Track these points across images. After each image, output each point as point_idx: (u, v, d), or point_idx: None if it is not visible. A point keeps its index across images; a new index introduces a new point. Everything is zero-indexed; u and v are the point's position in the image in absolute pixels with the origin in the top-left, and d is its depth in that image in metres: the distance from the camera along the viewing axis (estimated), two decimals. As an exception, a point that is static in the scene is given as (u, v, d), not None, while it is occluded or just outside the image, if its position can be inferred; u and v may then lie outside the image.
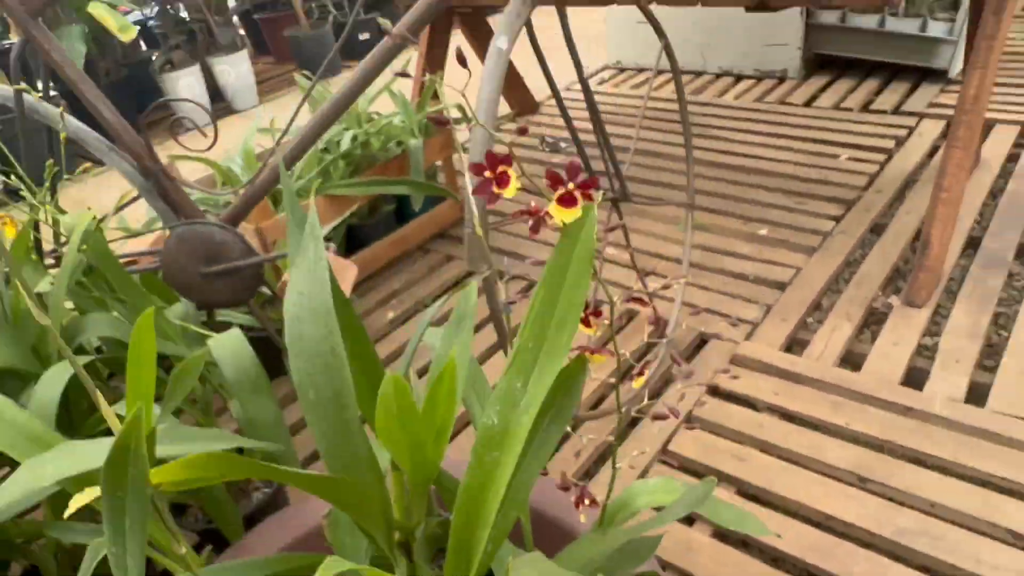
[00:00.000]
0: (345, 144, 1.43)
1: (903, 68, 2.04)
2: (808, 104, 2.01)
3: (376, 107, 1.57)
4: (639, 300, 0.42)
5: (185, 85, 2.61)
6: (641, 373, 0.42)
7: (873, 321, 1.20)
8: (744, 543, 0.87)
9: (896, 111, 1.88)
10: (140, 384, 0.51)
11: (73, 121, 0.96)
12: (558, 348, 0.38)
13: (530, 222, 0.37)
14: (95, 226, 0.76)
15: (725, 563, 0.82)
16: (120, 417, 0.52)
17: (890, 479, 0.88)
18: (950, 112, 1.80)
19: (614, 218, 1.11)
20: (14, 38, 2.05)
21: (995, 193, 1.49)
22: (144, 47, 3.28)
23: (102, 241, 0.76)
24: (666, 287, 1.06)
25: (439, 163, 1.60)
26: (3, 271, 0.75)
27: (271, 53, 3.62)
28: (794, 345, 1.18)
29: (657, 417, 0.44)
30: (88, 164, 1.24)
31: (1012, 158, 1.60)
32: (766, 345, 1.14)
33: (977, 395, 1.00)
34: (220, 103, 2.88)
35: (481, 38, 2.02)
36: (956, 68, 1.95)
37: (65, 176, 1.02)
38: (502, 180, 0.35)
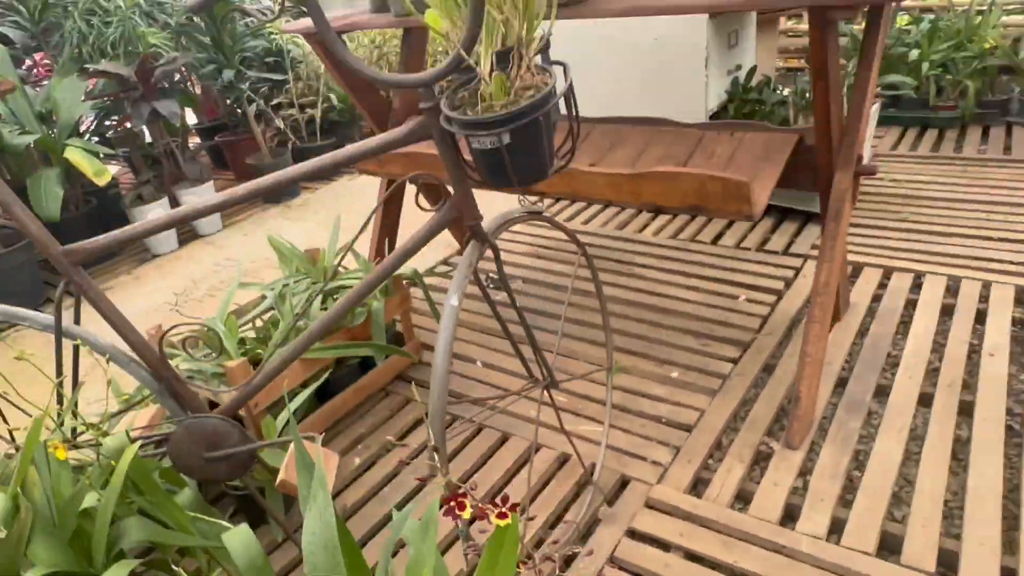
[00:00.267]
0: (317, 314, 1.65)
1: (791, 210, 2.40)
2: (715, 242, 2.34)
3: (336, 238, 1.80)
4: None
5: (154, 217, 2.80)
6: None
7: (762, 459, 1.46)
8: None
9: (786, 252, 2.23)
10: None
11: (99, 339, 1.15)
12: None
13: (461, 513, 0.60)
14: (134, 452, 0.95)
15: None
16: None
17: (766, 610, 1.12)
18: (830, 252, 2.15)
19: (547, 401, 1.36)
20: None
21: (863, 333, 1.80)
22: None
23: (146, 465, 0.96)
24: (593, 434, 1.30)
25: (398, 316, 1.84)
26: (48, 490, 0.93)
27: (231, 169, 3.84)
28: (698, 484, 1.42)
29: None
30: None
31: (876, 298, 1.93)
32: (674, 488, 1.38)
33: (837, 531, 1.25)
34: (185, 227, 3.07)
35: (435, 194, 2.29)
36: (834, 213, 2.31)
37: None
38: (460, 505, 0.58)
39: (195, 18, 2.99)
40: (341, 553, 0.71)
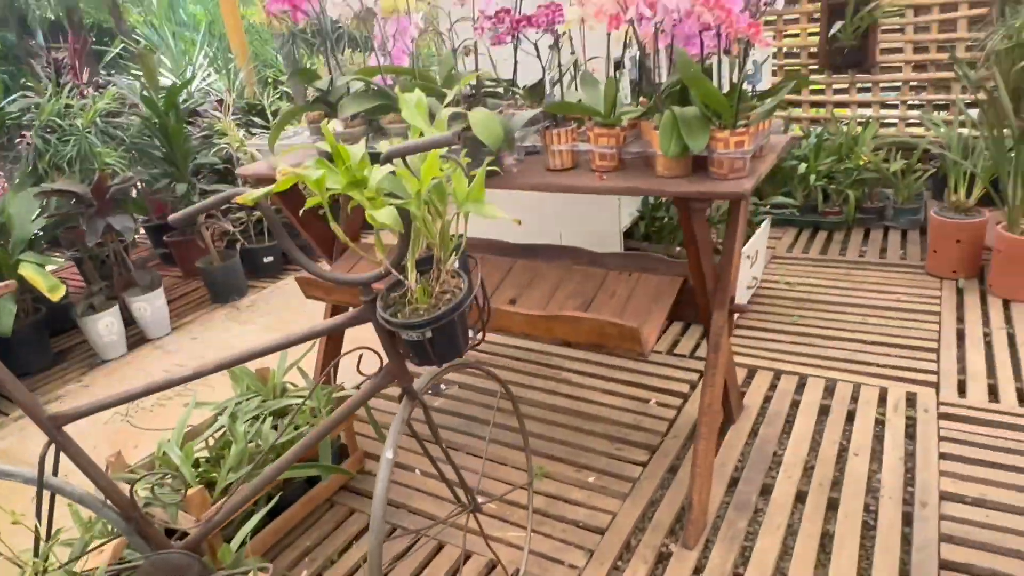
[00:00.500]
0: (268, 434, 1.81)
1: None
2: (631, 345, 2.61)
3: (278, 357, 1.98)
4: None
5: (104, 325, 2.91)
6: None
7: (663, 559, 1.68)
8: None
9: (692, 355, 2.51)
10: None
11: (75, 488, 1.30)
12: None
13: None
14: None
15: None
16: None
17: None
18: (734, 352, 2.44)
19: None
20: None
21: (754, 434, 2.07)
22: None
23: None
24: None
25: (342, 432, 2.01)
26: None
27: (179, 267, 3.97)
28: (609, 584, 1.63)
29: None
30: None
31: (768, 399, 2.21)
32: (587, 591, 1.58)
33: (721, 624, 1.47)
34: (134, 328, 3.17)
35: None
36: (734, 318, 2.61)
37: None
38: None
39: (149, 135, 3.18)
40: None
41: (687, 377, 2.36)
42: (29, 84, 3.68)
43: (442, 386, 2.46)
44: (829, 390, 2.21)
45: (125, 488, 1.28)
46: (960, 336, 2.41)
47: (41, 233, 3.19)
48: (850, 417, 2.07)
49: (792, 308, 2.73)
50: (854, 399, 2.14)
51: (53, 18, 8.18)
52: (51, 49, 4.65)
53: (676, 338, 2.63)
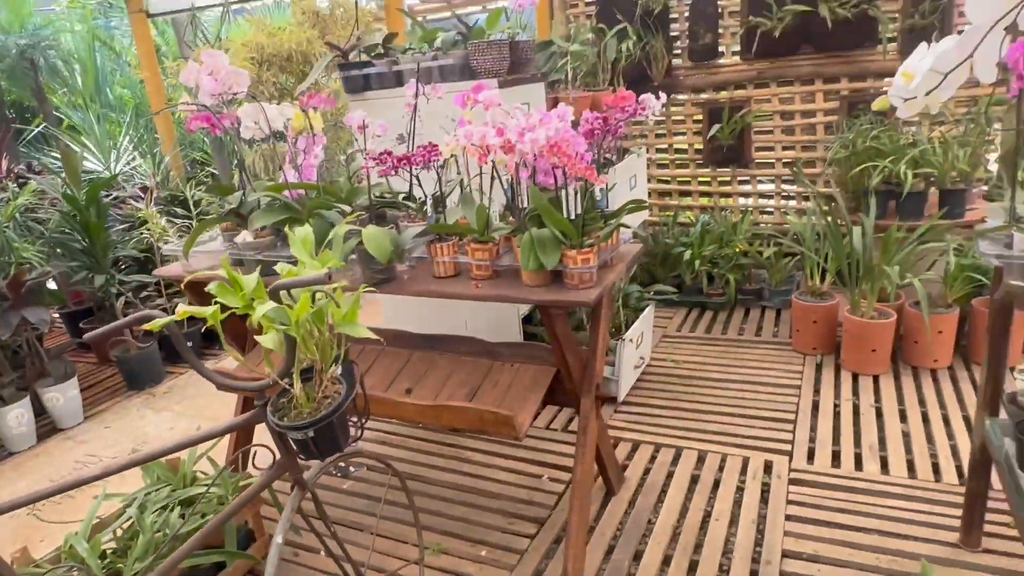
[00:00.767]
0: (175, 524, 1.92)
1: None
2: (531, 423, 2.82)
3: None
4: None
5: (14, 416, 2.93)
6: None
7: (544, 625, 1.86)
8: None
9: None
10: None
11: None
12: None
13: None
14: None
15: None
16: None
17: None
18: (621, 428, 2.69)
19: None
20: None
21: (632, 504, 2.29)
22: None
23: None
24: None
25: (249, 519, 2.12)
26: None
27: (95, 353, 3.99)
28: (494, 652, 1.78)
29: None
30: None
31: (647, 471, 2.45)
32: (472, 658, 1.74)
33: None
34: (45, 418, 3.18)
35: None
36: (621, 396, 2.88)
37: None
38: None
39: (69, 229, 3.28)
40: None
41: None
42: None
43: (351, 468, 2.60)
44: (701, 461, 2.47)
45: (31, 583, 1.39)
46: (815, 407, 2.74)
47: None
48: (716, 485, 2.32)
49: (676, 385, 3.02)
50: (720, 468, 2.40)
51: (-27, 99, 8.14)
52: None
53: (571, 416, 2.86)
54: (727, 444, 2.53)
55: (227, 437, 2.51)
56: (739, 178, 4.26)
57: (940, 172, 2.99)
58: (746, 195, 4.25)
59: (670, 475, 2.41)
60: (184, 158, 6.09)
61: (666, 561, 2.01)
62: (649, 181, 4.56)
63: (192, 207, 3.81)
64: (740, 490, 2.29)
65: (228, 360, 3.65)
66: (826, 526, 2.06)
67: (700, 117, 4.26)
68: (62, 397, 3.10)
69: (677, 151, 4.47)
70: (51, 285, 3.41)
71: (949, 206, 3.04)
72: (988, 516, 1.92)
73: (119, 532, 2.00)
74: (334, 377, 1.32)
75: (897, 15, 3.59)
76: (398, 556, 2.11)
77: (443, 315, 2.93)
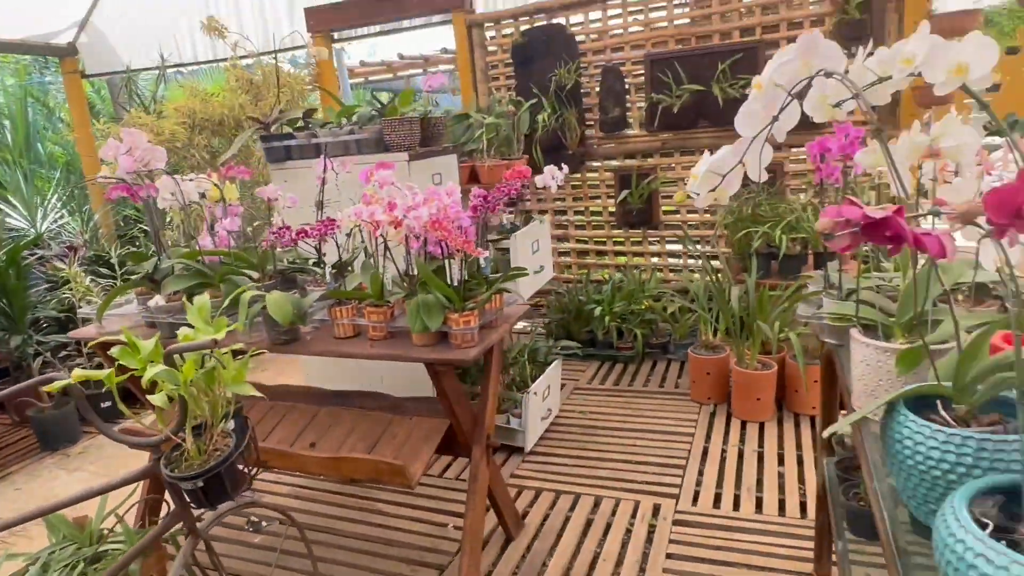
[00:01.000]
0: (77, 580, 1.97)
1: (500, 445, 3.11)
2: (441, 474, 2.96)
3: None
4: None
5: (-82, 480, 2.90)
6: None
7: (437, 665, 1.97)
8: None
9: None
10: None
11: None
12: None
13: None
14: None
15: None
16: None
17: None
18: (526, 477, 2.85)
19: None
20: None
21: (529, 548, 2.44)
22: None
23: None
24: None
25: (154, 573, 2.18)
26: None
27: (8, 414, 3.94)
28: None
29: None
30: None
31: (547, 517, 2.61)
32: None
33: None
34: (-49, 482, 3.14)
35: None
36: (529, 446, 3.05)
37: None
38: None
39: (-13, 290, 3.31)
40: None
41: (483, 501, 2.73)
42: None
43: (263, 523, 2.67)
44: (596, 506, 2.64)
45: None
46: (704, 453, 2.96)
47: None
48: (607, 528, 2.50)
49: (581, 435, 3.21)
50: (613, 512, 2.58)
51: None
52: None
53: (481, 466, 3.00)
54: (621, 489, 2.72)
55: (139, 495, 2.56)
56: (649, 239, 4.59)
57: (812, 237, 3.33)
58: (656, 255, 4.56)
59: (567, 520, 2.57)
60: (116, 215, 6.11)
61: (555, 600, 2.15)
62: (568, 241, 4.85)
63: (117, 267, 3.88)
64: (629, 532, 2.46)
65: (151, 416, 3.67)
66: (702, 563, 2.25)
67: (613, 182, 4.59)
68: (-29, 459, 3.08)
69: (593, 213, 4.78)
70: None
71: (822, 267, 3.38)
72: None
73: (21, 592, 2.04)
74: (224, 431, 1.46)
75: (779, 96, 4.02)
76: (302, 606, 2.19)
77: (361, 372, 3.07)
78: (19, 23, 5.37)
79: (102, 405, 3.76)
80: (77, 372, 1.27)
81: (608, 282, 4.30)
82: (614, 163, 4.63)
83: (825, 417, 1.97)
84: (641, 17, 4.33)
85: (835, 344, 1.53)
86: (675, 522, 2.48)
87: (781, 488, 2.64)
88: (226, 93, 4.77)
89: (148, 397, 1.31)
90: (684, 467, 2.85)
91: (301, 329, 2.06)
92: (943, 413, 0.98)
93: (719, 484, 2.71)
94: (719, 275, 3.47)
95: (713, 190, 1.33)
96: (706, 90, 4.10)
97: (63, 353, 3.67)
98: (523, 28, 4.60)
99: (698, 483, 2.73)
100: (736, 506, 2.55)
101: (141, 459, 3.28)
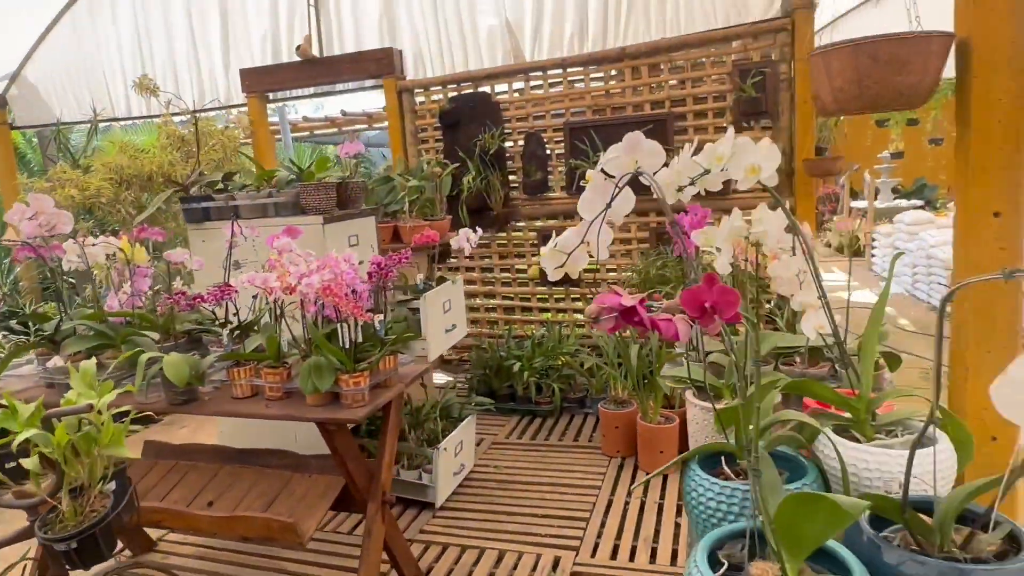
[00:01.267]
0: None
1: (411, 501, 3.16)
2: (352, 531, 2.99)
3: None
4: None
5: None
6: None
7: None
8: None
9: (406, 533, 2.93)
10: None
11: None
12: None
13: None
14: None
15: None
16: None
17: None
18: (434, 532, 2.90)
19: None
20: None
21: (432, 604, 2.48)
22: None
23: None
24: None
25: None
26: None
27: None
28: None
29: None
30: None
31: (450, 572, 2.66)
32: None
33: None
34: None
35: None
36: (439, 502, 3.11)
37: None
38: None
39: None
40: None
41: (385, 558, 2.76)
42: None
43: (164, 585, 2.65)
44: (499, 560, 2.71)
45: None
46: (608, 505, 3.07)
47: None
48: (508, 582, 2.57)
49: (494, 489, 3.28)
50: (515, 566, 2.65)
51: None
52: None
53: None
54: (525, 543, 2.80)
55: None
56: (572, 296, 4.77)
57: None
58: (578, 311, 4.74)
59: (470, 575, 2.63)
60: (41, 267, 6.00)
61: (448, 655, 2.20)
62: (495, 297, 5.00)
63: (31, 324, 3.83)
64: (527, 585, 2.54)
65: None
66: (593, 613, 2.34)
67: (536, 241, 4.79)
68: None
69: (519, 271, 4.96)
70: None
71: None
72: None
73: None
74: (103, 492, 1.51)
75: (687, 164, 4.31)
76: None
77: (275, 429, 3.09)
78: (-53, 75, 5.35)
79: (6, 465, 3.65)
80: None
81: (530, 338, 4.44)
82: (538, 223, 4.84)
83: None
84: (561, 88, 4.62)
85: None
86: (573, 574, 2.57)
87: (676, 538, 2.76)
88: (156, 150, 4.83)
89: (21, 460, 1.35)
90: (588, 519, 2.95)
91: (200, 390, 2.12)
92: (725, 468, 1.13)
93: (619, 536, 2.82)
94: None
95: (561, 266, 1.49)
96: (620, 157, 4.36)
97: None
98: (451, 95, 4.83)
99: (599, 535, 2.83)
100: (632, 557, 2.66)
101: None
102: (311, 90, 5.33)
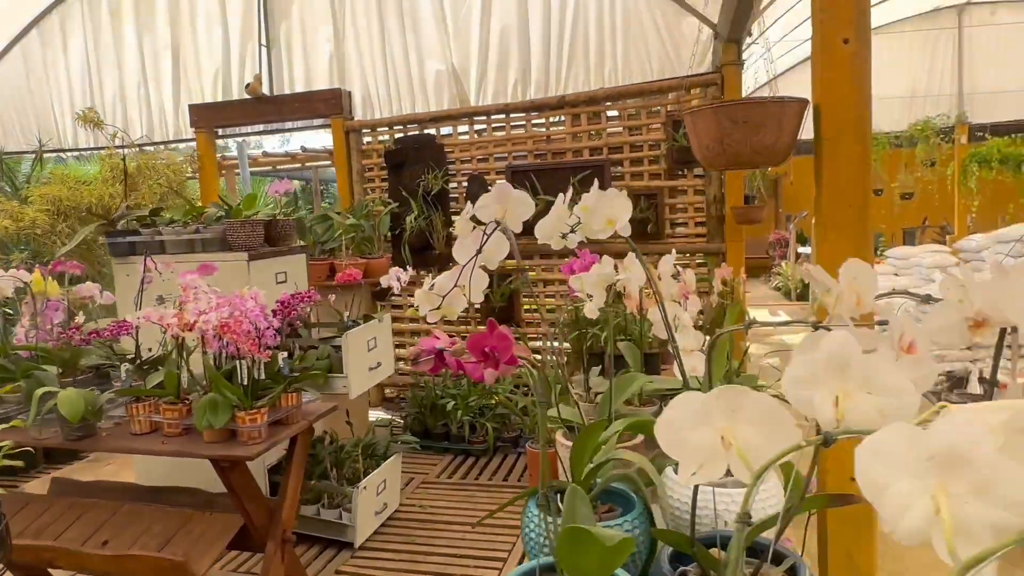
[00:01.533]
0: None
1: (331, 541, 3.13)
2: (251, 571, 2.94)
3: None
4: None
5: None
6: None
7: None
8: None
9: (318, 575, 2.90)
10: None
11: None
12: None
13: None
14: None
15: None
16: None
17: None
18: (350, 573, 2.87)
19: None
20: None
21: (337, 647, 2.45)
22: None
23: None
24: None
25: None
26: None
27: None
28: None
29: None
30: None
31: (362, 614, 2.63)
32: None
33: None
34: None
35: None
36: (358, 542, 3.08)
37: None
38: None
39: None
40: None
41: (301, 599, 2.73)
42: None
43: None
44: (412, 601, 2.69)
45: None
46: (528, 546, 3.07)
47: None
48: (417, 624, 2.55)
49: (417, 529, 3.27)
50: (427, 607, 2.64)
51: None
52: None
53: (309, 560, 3.01)
54: (441, 584, 2.79)
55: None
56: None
57: (636, 338, 3.63)
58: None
59: (380, 616, 2.61)
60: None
61: None
62: (436, 335, 5.01)
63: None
64: (436, 627, 2.53)
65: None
66: (497, 655, 2.33)
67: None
68: None
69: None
70: None
71: (648, 365, 3.68)
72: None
73: None
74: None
75: (623, 209, 4.44)
76: None
77: (197, 467, 3.05)
78: None
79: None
80: None
81: (468, 376, 4.47)
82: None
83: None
84: (504, 132, 4.75)
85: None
86: (482, 616, 2.56)
87: None
88: (99, 183, 4.82)
89: None
90: (505, 560, 2.95)
91: (98, 425, 2.10)
92: (560, 505, 1.18)
93: None
94: (559, 371, 3.69)
95: (437, 308, 1.54)
96: (558, 201, 4.48)
97: None
98: (397, 136, 4.93)
99: None
100: (543, 598, 2.66)
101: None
102: (260, 127, 5.38)
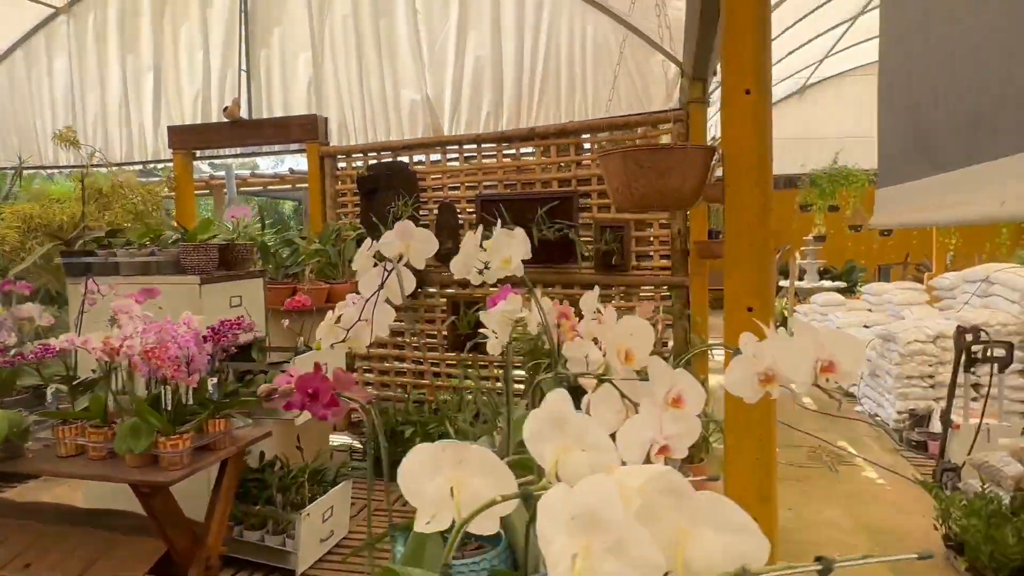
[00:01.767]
0: None
1: (273, 568, 3.11)
2: (204, 598, 2.91)
3: None
4: None
5: None
6: None
7: None
8: None
9: (251, 605, 2.87)
10: None
11: None
12: None
13: None
14: None
15: None
16: None
17: None
18: (287, 603, 2.84)
19: None
20: None
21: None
22: None
23: None
24: None
25: None
26: None
27: None
28: None
29: None
30: None
31: (296, 644, 2.61)
32: None
33: None
34: None
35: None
36: (300, 569, 3.06)
37: None
38: None
39: None
40: None
41: (235, 627, 2.70)
42: None
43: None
44: (347, 632, 2.67)
45: None
46: None
47: None
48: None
49: (363, 557, 3.25)
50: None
51: None
52: None
53: (247, 588, 2.99)
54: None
55: None
56: (480, 363, 4.84)
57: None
58: (484, 378, 4.80)
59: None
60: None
61: None
62: (404, 361, 5.04)
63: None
64: (366, 659, 2.50)
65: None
66: None
67: (445, 308, 4.88)
68: None
69: (429, 336, 5.02)
70: None
71: (576, 400, 3.69)
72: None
73: None
74: None
75: (590, 240, 4.48)
76: None
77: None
78: None
79: None
80: None
81: (430, 403, 4.47)
82: (449, 290, 4.94)
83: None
84: (475, 162, 4.80)
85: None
86: (414, 648, 2.54)
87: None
88: (72, 201, 4.85)
89: None
90: (447, 592, 2.93)
91: (25, 447, 2.11)
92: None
93: (473, 609, 2.80)
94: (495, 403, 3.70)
95: (342, 341, 1.56)
96: (527, 230, 4.52)
97: None
98: (371, 162, 4.98)
99: (453, 608, 2.81)
100: (479, 632, 2.64)
101: None
102: (237, 150, 5.45)
